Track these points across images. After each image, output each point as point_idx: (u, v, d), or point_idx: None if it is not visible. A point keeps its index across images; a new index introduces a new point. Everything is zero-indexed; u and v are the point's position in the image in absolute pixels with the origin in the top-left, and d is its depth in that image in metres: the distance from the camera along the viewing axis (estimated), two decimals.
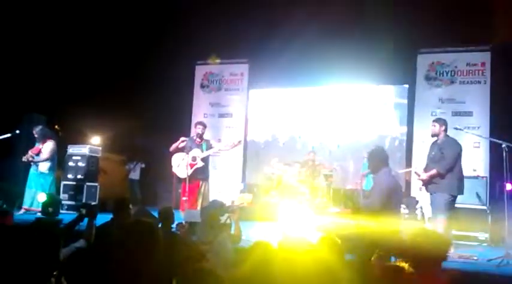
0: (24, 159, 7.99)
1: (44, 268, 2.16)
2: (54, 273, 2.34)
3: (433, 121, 6.04)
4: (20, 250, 2.15)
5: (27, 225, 3.75)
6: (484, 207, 7.09)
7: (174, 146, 7.41)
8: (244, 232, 5.90)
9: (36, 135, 8.15)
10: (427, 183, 5.74)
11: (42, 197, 5.44)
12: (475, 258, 5.17)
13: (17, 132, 7.96)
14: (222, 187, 9.53)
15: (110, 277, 2.01)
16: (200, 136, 7.49)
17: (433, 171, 5.62)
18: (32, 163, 8.04)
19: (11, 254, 2.14)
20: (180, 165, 7.30)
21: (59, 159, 8.60)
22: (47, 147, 8.09)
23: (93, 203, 6.92)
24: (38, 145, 8.10)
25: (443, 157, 5.65)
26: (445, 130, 5.87)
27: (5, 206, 6.97)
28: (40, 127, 8.32)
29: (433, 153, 5.82)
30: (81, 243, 3.35)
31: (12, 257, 2.11)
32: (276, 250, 2.50)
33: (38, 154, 8.03)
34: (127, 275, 1.97)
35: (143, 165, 10.88)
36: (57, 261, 2.25)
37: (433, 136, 5.93)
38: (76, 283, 2.13)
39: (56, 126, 8.96)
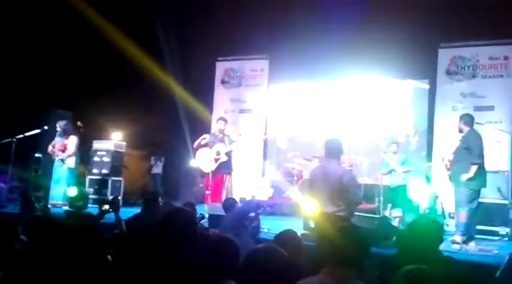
0: (54, 154, 8.20)
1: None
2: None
3: (460, 117, 6.25)
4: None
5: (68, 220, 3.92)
6: (506, 202, 7.08)
7: (197, 143, 7.63)
8: (265, 226, 6.05)
9: (60, 129, 8.34)
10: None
11: (73, 191, 5.62)
12: (496, 251, 5.20)
13: (46, 127, 8.19)
14: (243, 182, 9.64)
15: (148, 263, 2.14)
16: (222, 131, 7.65)
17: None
18: (56, 158, 8.24)
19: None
20: (204, 159, 7.47)
21: (82, 154, 8.83)
22: (72, 142, 8.29)
23: (111, 197, 7.13)
24: (62, 140, 8.29)
25: (469, 149, 5.74)
26: (466, 124, 5.98)
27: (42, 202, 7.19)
28: (65, 122, 8.53)
29: (457, 146, 5.93)
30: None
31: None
32: None
33: (63, 150, 8.25)
34: (165, 260, 2.08)
35: (163, 160, 11.08)
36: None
37: (459, 132, 6.12)
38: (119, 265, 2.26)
39: (79, 122, 9.17)
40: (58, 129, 8.36)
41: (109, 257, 2.44)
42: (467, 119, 6.09)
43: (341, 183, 4.57)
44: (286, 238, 3.71)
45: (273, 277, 1.75)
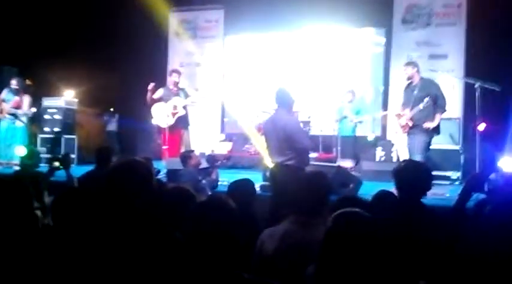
0: (3, 112, 7.85)
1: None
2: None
3: (404, 65, 6.28)
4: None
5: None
6: (457, 147, 7.32)
7: (148, 97, 7.28)
8: (225, 179, 6.03)
9: (15, 87, 8.01)
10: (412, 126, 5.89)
11: (22, 150, 5.37)
12: (447, 195, 5.39)
13: None
14: (201, 136, 9.54)
15: (100, 218, 2.05)
16: (176, 84, 7.42)
17: (438, 115, 5.79)
18: (6, 116, 7.91)
19: None
20: (161, 114, 7.27)
21: (35, 113, 8.50)
22: (27, 100, 8.05)
23: (61, 154, 6.96)
24: (15, 98, 7.96)
25: (437, 97, 5.80)
26: (418, 71, 6.02)
27: None
28: (18, 79, 8.16)
29: (414, 94, 5.93)
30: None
31: None
32: None
33: (17, 107, 7.93)
34: (119, 212, 2.01)
35: (117, 117, 10.81)
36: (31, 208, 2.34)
37: (408, 79, 6.09)
38: (63, 224, 2.17)
39: (27, 80, 8.74)
40: (14, 87, 7.97)
41: (38, 212, 2.35)
42: (416, 65, 6.12)
43: (285, 130, 4.56)
44: (239, 186, 3.71)
45: (217, 229, 1.71)
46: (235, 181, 3.78)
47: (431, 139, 5.93)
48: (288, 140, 4.55)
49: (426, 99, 5.73)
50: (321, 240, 1.80)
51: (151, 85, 7.19)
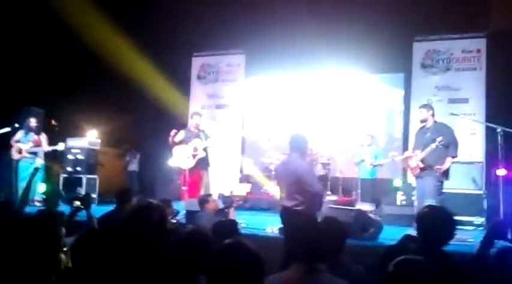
0: (22, 151, 8.00)
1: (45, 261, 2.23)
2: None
3: (420, 107, 6.30)
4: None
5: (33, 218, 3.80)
6: (480, 192, 7.18)
7: (170, 140, 7.43)
8: (243, 221, 6.01)
9: (35, 125, 8.17)
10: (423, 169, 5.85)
11: (42, 187, 5.49)
12: (471, 240, 5.26)
13: (16, 125, 7.98)
14: (220, 177, 9.57)
15: (117, 259, 2.07)
16: (197, 126, 7.54)
17: (449, 159, 5.75)
18: (25, 155, 8.04)
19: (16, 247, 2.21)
20: (182, 156, 7.36)
21: (55, 153, 8.65)
22: (45, 138, 8.20)
23: (83, 194, 7.04)
24: (35, 137, 8.12)
25: (449, 142, 5.77)
26: (433, 115, 6.04)
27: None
28: (36, 119, 8.36)
29: (426, 136, 5.94)
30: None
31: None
32: None
33: (37, 146, 8.09)
34: (135, 256, 2.02)
35: (139, 157, 10.93)
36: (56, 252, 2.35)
37: (421, 122, 6.11)
38: (83, 266, 2.18)
39: (53, 120, 8.97)
40: (34, 125, 8.15)
41: (62, 256, 2.36)
42: (431, 108, 6.14)
43: (296, 174, 4.56)
44: (222, 227, 3.53)
45: (241, 272, 1.72)
46: (219, 222, 3.72)
47: (442, 183, 5.87)
48: (299, 183, 4.54)
49: (439, 138, 5.71)
50: None
51: (173, 132, 7.35)
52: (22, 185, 7.86)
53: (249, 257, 1.78)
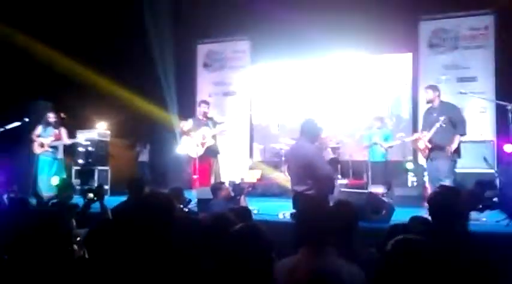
0: (43, 145, 8.10)
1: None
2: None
3: (426, 88, 6.24)
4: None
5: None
6: (492, 171, 7.14)
7: (180, 129, 7.52)
8: (255, 207, 6.04)
9: (54, 120, 8.25)
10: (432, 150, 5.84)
11: (55, 180, 5.57)
12: (484, 219, 5.25)
13: (26, 120, 8.04)
14: (230, 165, 9.61)
15: (130, 250, 2.10)
16: (205, 114, 7.57)
17: (457, 137, 5.72)
18: (47, 149, 8.13)
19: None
20: (191, 144, 7.41)
21: (67, 146, 8.72)
22: (65, 132, 8.29)
23: (96, 185, 7.10)
24: (55, 131, 8.22)
25: (456, 120, 5.75)
26: (439, 95, 6.01)
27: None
28: (54, 112, 8.44)
29: (432, 116, 5.92)
30: None
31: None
32: None
33: (59, 140, 8.19)
34: (147, 246, 2.06)
35: (149, 147, 10.99)
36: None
37: (428, 102, 6.08)
38: (98, 256, 2.22)
39: (62, 114, 9.00)
40: (52, 119, 8.23)
41: (75, 246, 2.40)
42: (437, 89, 6.11)
43: (305, 159, 4.58)
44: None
45: (251, 256, 1.74)
46: (232, 210, 3.71)
47: (455, 163, 5.83)
48: (309, 168, 4.56)
49: (442, 118, 5.68)
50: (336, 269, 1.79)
51: (182, 123, 7.58)
52: (43, 179, 8.00)
53: (260, 241, 1.80)
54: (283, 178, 8.71)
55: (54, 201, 5.40)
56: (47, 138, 8.14)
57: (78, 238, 2.93)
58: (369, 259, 2.79)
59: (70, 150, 9.09)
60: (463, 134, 5.84)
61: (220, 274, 1.79)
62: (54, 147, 8.18)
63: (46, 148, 8.11)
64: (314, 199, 4.31)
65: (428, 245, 1.83)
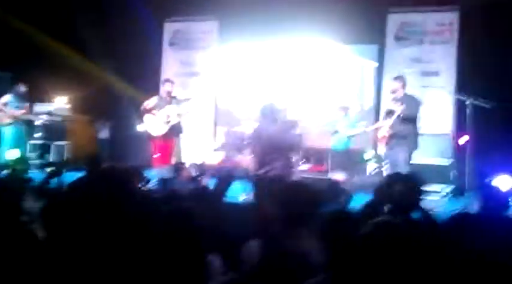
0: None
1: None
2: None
3: (394, 78, 6.59)
4: None
5: None
6: (447, 163, 7.36)
7: (144, 106, 7.35)
8: None
9: (24, 91, 8.01)
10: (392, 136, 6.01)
11: (15, 153, 5.39)
12: (437, 209, 5.40)
13: None
14: (193, 146, 9.52)
15: (88, 223, 2.05)
16: (169, 93, 7.47)
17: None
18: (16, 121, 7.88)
19: None
20: (154, 123, 7.29)
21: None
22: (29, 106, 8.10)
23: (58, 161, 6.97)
24: (26, 104, 7.96)
25: (410, 113, 5.93)
26: (403, 87, 6.25)
27: None
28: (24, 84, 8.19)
29: (393, 107, 6.12)
30: None
31: None
32: None
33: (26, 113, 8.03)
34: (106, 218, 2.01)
35: (109, 124, 10.76)
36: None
37: (392, 93, 6.28)
38: (55, 232, 2.15)
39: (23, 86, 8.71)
40: (22, 91, 8.03)
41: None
42: (406, 83, 6.31)
43: (269, 139, 4.63)
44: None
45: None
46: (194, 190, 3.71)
47: (411, 153, 6.03)
48: (273, 149, 4.60)
49: (401, 107, 5.84)
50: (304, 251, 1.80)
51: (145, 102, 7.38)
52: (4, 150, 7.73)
53: (188, 226, 1.80)
54: (245, 161, 8.71)
55: (6, 171, 5.24)
56: (15, 110, 7.90)
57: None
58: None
59: (26, 123, 8.79)
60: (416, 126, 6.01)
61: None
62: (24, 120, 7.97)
63: (14, 118, 7.88)
64: (279, 181, 4.32)
65: (405, 230, 1.85)
